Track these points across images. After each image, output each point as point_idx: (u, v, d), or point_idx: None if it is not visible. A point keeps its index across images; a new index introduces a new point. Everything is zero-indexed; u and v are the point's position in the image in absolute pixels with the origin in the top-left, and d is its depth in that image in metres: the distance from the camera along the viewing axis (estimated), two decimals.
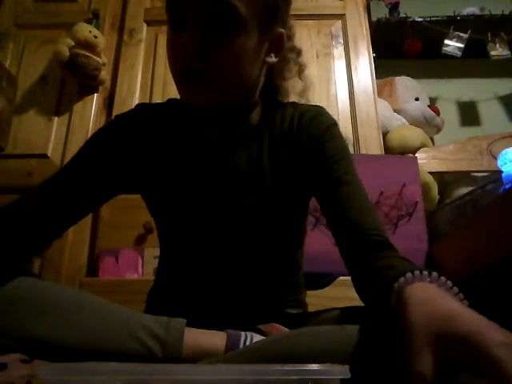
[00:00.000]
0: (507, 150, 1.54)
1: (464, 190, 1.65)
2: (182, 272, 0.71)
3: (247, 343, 0.53)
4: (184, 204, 0.67)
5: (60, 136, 1.67)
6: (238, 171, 0.67)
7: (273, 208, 0.67)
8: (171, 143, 0.69)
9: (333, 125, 0.69)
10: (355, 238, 0.59)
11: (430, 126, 1.94)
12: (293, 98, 0.75)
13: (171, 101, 0.74)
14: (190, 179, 0.67)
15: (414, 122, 1.90)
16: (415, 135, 1.82)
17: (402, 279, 0.42)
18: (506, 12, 2.03)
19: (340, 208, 0.62)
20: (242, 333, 0.55)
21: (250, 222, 0.66)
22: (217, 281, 0.68)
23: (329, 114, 0.71)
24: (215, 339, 0.53)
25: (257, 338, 0.55)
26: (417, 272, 0.43)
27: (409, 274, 0.43)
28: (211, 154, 0.68)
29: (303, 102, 0.75)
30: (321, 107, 0.72)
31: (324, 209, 0.66)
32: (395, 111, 1.93)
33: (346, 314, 0.60)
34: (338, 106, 1.71)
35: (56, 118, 1.69)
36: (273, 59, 0.66)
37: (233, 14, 0.57)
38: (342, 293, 1.20)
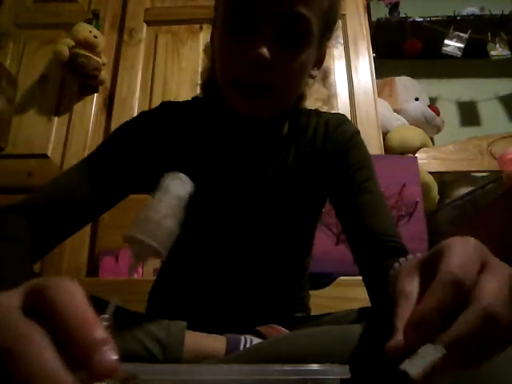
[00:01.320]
0: (507, 150, 1.55)
1: (464, 190, 1.65)
2: (190, 274, 0.70)
3: (247, 346, 0.53)
4: (203, 207, 0.66)
5: (60, 136, 1.67)
6: (263, 178, 0.67)
7: (294, 216, 0.67)
8: (196, 145, 0.68)
9: (356, 133, 0.70)
10: (370, 243, 0.60)
11: (430, 125, 1.94)
12: (315, 103, 0.75)
13: (196, 99, 0.72)
14: (212, 183, 0.66)
15: (414, 122, 1.90)
16: (415, 135, 1.82)
17: (402, 259, 0.42)
18: (506, 12, 2.03)
19: (358, 214, 0.62)
20: (242, 336, 0.55)
21: (270, 229, 0.66)
22: (226, 284, 0.68)
23: (352, 123, 0.72)
24: (215, 343, 0.53)
25: (256, 340, 0.55)
26: (418, 253, 0.42)
27: (410, 255, 0.42)
28: (237, 159, 0.67)
29: (326, 108, 0.76)
30: (343, 115, 0.72)
31: (341, 214, 0.66)
32: (395, 111, 1.93)
33: (350, 317, 0.60)
34: (338, 106, 1.71)
35: (56, 118, 1.70)
36: (315, 73, 0.66)
37: (305, 27, 0.56)
38: (342, 293, 1.20)
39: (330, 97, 1.69)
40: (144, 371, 0.30)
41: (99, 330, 0.22)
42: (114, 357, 0.22)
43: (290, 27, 0.56)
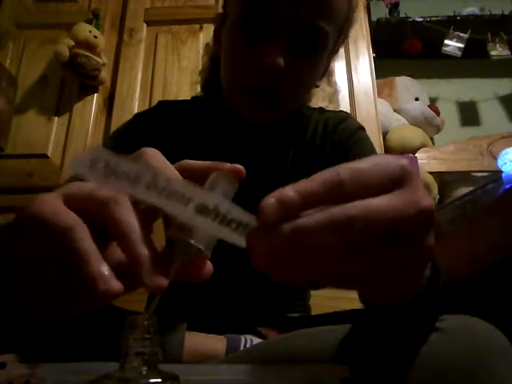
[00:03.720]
0: (507, 149, 1.55)
1: (464, 190, 1.65)
2: None
3: (247, 346, 0.53)
4: None
5: (60, 136, 1.67)
6: (262, 177, 0.66)
7: None
8: (193, 144, 0.67)
9: (359, 129, 0.69)
10: None
11: (430, 125, 1.94)
12: (322, 102, 0.75)
13: (195, 99, 0.72)
14: None
15: (414, 121, 1.90)
16: (415, 135, 1.82)
17: None
18: (506, 12, 2.03)
19: None
20: (242, 336, 0.55)
21: None
22: (226, 284, 0.67)
23: (354, 119, 0.71)
24: (215, 343, 0.53)
25: (256, 340, 0.55)
26: None
27: None
28: (235, 160, 0.67)
29: (332, 106, 0.76)
30: (346, 113, 0.71)
31: None
32: (395, 111, 1.93)
33: (349, 317, 0.59)
34: (338, 106, 1.70)
35: (56, 118, 1.69)
36: (319, 83, 0.66)
37: (323, 40, 0.55)
38: (342, 293, 1.20)
39: (335, 94, 1.69)
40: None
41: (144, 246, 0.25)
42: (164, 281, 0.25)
43: (306, 38, 0.55)
